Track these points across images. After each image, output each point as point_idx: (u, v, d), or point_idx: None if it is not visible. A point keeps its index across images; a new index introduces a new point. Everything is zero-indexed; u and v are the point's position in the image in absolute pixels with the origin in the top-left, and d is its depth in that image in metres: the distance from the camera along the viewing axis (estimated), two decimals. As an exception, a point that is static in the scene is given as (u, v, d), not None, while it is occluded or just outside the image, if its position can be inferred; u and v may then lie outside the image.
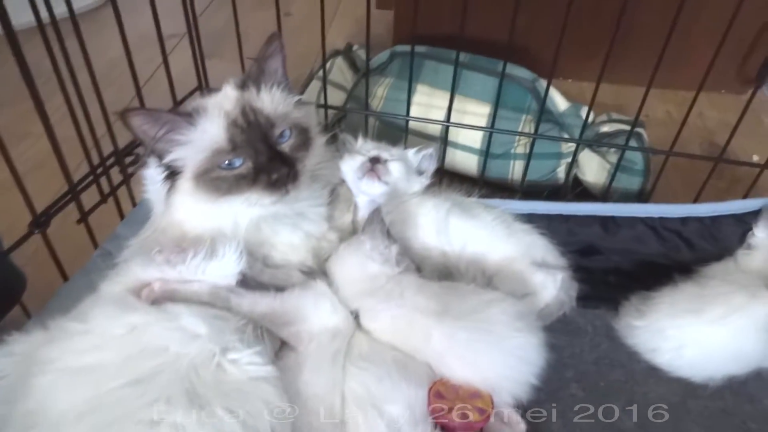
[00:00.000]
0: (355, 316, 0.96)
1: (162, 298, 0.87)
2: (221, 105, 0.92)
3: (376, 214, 0.99)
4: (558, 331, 1.10)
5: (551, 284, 1.09)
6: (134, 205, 1.16)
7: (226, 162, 0.90)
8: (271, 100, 0.95)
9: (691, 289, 1.05)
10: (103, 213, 1.18)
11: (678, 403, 1.01)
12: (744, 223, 1.16)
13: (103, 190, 1.16)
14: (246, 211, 0.95)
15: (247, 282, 0.92)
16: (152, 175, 0.97)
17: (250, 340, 0.87)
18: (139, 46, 1.25)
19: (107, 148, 1.17)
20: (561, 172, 1.37)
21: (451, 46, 1.48)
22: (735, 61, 1.91)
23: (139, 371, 0.74)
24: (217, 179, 0.91)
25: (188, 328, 0.81)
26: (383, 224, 0.98)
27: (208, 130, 0.90)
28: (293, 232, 1.02)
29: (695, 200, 1.23)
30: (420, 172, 1.18)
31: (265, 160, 0.91)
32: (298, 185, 0.94)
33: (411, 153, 1.17)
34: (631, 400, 1.00)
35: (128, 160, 1.16)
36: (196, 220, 0.95)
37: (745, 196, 1.22)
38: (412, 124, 1.38)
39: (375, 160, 1.10)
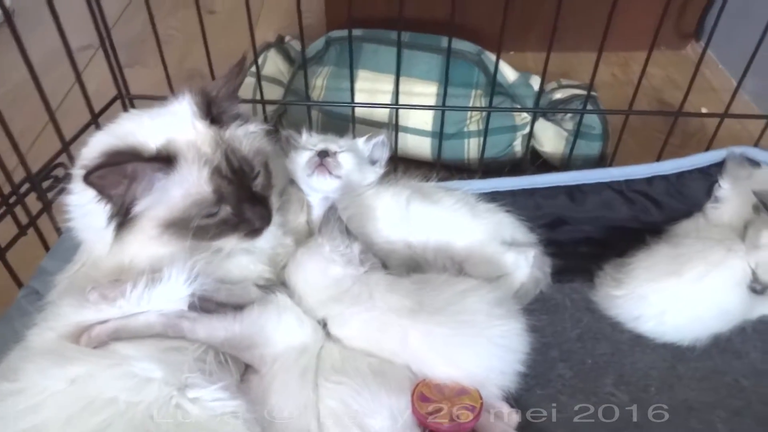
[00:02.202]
0: (323, 325, 0.89)
1: (106, 340, 0.77)
2: (198, 148, 0.80)
3: (331, 212, 0.91)
4: (537, 311, 1.06)
5: (524, 263, 1.05)
6: (59, 234, 1.04)
7: (207, 212, 0.81)
8: (245, 137, 0.85)
9: (665, 250, 1.02)
10: (24, 246, 1.06)
11: (668, 369, 0.98)
12: (709, 176, 1.14)
13: (20, 221, 1.04)
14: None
15: (200, 304, 0.83)
16: (77, 202, 0.86)
17: (212, 369, 0.79)
18: (56, 59, 1.13)
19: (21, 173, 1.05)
20: (518, 146, 1.32)
21: (389, 27, 1.41)
22: (671, 17, 1.91)
23: (85, 430, 0.64)
24: (195, 227, 0.81)
25: (139, 373, 0.72)
26: (340, 222, 0.90)
27: (188, 179, 0.79)
28: (247, 254, 0.93)
29: (657, 159, 1.20)
30: (373, 162, 1.10)
31: (247, 206, 0.83)
32: (270, 223, 0.88)
33: (361, 142, 1.10)
34: (620, 373, 0.97)
35: (46, 184, 1.04)
36: (148, 255, 0.84)
37: (706, 149, 1.20)
38: (358, 111, 1.31)
39: (323, 154, 1.02)
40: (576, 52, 1.80)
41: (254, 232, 0.86)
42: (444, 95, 1.16)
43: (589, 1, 1.09)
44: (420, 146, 1.34)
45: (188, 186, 0.79)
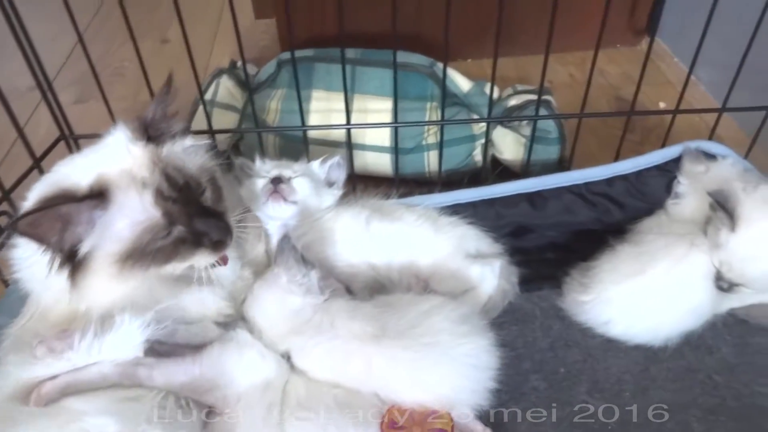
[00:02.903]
0: (287, 358, 0.86)
1: (58, 396, 0.74)
2: (133, 174, 0.76)
3: (285, 242, 0.89)
4: (507, 322, 1.05)
5: (490, 274, 1.04)
6: (6, 286, 1.00)
7: (160, 235, 0.77)
8: (186, 153, 0.82)
9: (629, 250, 1.01)
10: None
11: (641, 372, 0.97)
12: (667, 172, 1.14)
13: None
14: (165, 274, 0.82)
15: (157, 348, 0.80)
16: (21, 255, 0.82)
17: (173, 415, 0.76)
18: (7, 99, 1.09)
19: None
20: (478, 155, 1.31)
21: (340, 45, 1.40)
22: (624, 14, 1.93)
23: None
24: (153, 251, 0.77)
25: (92, 430, 0.69)
26: (295, 251, 0.88)
27: (129, 207, 0.75)
28: (204, 288, 0.90)
29: (615, 158, 1.20)
30: (330, 184, 1.09)
31: (199, 221, 0.79)
32: (233, 236, 0.84)
33: (316, 165, 1.08)
34: (594, 380, 0.96)
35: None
36: (111, 295, 0.80)
37: (662, 145, 1.19)
38: (314, 133, 1.29)
39: (277, 181, 1.00)
40: (533, 55, 1.80)
41: (218, 244, 0.81)
42: (395, 111, 1.14)
43: (542, 4, 1.09)
44: (380, 163, 1.33)
45: (132, 214, 0.75)
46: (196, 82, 1.13)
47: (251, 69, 1.53)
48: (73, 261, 0.76)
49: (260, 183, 1.02)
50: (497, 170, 1.34)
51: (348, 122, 1.16)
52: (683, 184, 1.09)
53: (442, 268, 1.03)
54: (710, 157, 1.12)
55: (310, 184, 1.03)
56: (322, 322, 0.86)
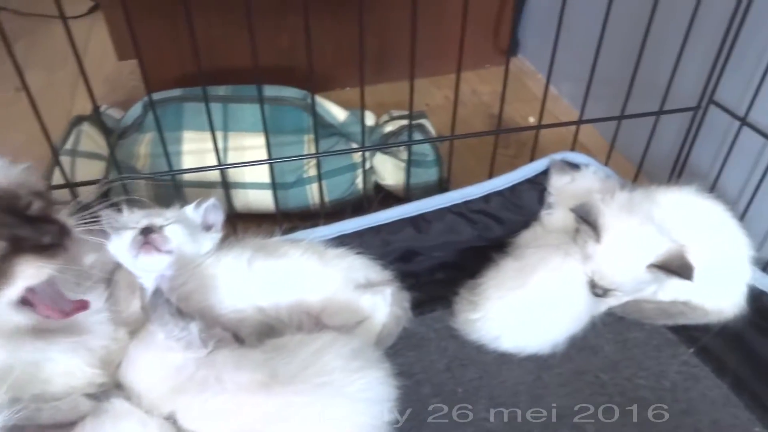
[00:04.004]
0: (173, 421, 0.80)
1: None
2: None
3: (157, 296, 0.83)
4: (403, 348, 1.05)
5: (382, 303, 1.03)
6: None
7: None
8: None
9: (510, 264, 1.05)
10: None
11: (534, 381, 1.00)
12: (538, 185, 1.19)
13: None
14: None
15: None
16: None
17: None
18: None
19: None
20: (360, 184, 1.31)
21: (211, 82, 1.35)
22: (488, 36, 2.03)
23: None
24: None
25: None
26: (169, 304, 0.82)
27: None
28: (72, 356, 0.81)
29: (490, 175, 1.24)
30: (208, 227, 1.03)
31: (23, 228, 0.68)
32: (74, 240, 0.73)
33: (190, 209, 1.02)
34: (491, 395, 0.97)
35: None
36: None
37: (531, 159, 1.25)
38: (190, 175, 1.23)
39: (147, 231, 0.94)
40: (408, 80, 1.85)
41: (51, 249, 0.70)
42: (268, 146, 1.12)
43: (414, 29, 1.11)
44: (262, 200, 1.29)
45: None
46: (45, 134, 1.05)
47: (117, 113, 1.45)
48: None
49: (129, 235, 0.95)
50: (379, 197, 1.35)
51: (219, 163, 1.12)
52: (553, 195, 1.15)
53: (332, 301, 1.01)
54: (575, 166, 1.19)
55: (185, 230, 0.97)
56: (207, 376, 0.81)
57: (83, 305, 0.78)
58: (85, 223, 0.79)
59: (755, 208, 1.17)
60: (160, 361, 0.82)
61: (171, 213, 1.00)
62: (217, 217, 1.04)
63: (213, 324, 0.91)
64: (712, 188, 1.24)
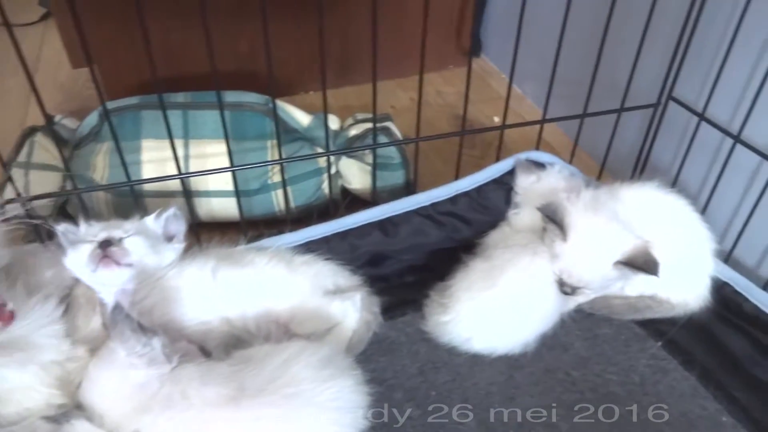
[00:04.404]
0: (137, 439, 0.77)
1: None
2: None
3: (117, 312, 0.80)
4: (374, 354, 1.03)
5: (351, 308, 1.01)
6: None
7: None
8: None
9: (479, 265, 1.04)
10: None
11: (506, 381, 0.99)
12: (504, 184, 1.19)
13: None
14: None
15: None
16: None
17: None
18: None
19: None
20: (327, 188, 1.29)
21: (172, 89, 1.32)
22: (450, 37, 2.03)
23: None
24: None
25: None
26: (130, 320, 0.79)
27: None
28: (22, 372, 0.78)
29: (456, 176, 1.24)
30: (169, 238, 1.01)
31: None
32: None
33: (150, 220, 0.99)
34: (464, 398, 0.96)
35: None
36: None
37: (497, 159, 1.26)
38: (150, 185, 1.20)
39: (106, 244, 0.91)
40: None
41: None
42: (229, 153, 1.09)
43: (377, 32, 1.11)
44: (227, 208, 1.27)
45: None
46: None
47: (73, 123, 1.40)
48: None
49: (87, 249, 0.91)
50: (346, 201, 1.33)
51: (179, 171, 1.09)
52: (519, 194, 1.15)
53: (301, 309, 0.99)
54: (541, 165, 1.20)
55: (146, 242, 0.94)
56: (172, 393, 0.78)
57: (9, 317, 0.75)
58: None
59: (715, 201, 1.20)
60: (122, 379, 0.79)
61: (130, 225, 0.97)
62: (179, 227, 1.01)
63: (178, 338, 0.89)
64: (674, 183, 1.27)
